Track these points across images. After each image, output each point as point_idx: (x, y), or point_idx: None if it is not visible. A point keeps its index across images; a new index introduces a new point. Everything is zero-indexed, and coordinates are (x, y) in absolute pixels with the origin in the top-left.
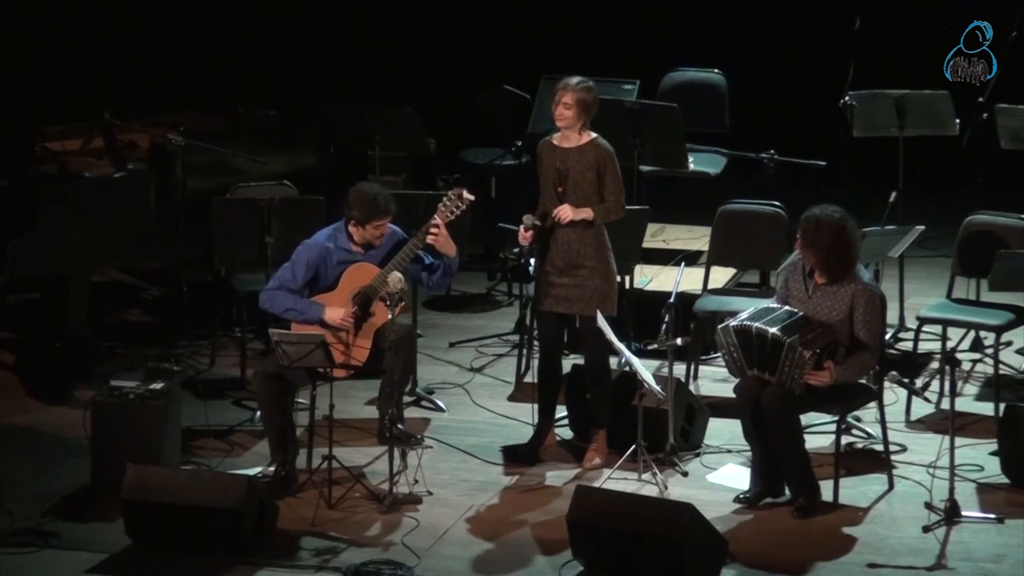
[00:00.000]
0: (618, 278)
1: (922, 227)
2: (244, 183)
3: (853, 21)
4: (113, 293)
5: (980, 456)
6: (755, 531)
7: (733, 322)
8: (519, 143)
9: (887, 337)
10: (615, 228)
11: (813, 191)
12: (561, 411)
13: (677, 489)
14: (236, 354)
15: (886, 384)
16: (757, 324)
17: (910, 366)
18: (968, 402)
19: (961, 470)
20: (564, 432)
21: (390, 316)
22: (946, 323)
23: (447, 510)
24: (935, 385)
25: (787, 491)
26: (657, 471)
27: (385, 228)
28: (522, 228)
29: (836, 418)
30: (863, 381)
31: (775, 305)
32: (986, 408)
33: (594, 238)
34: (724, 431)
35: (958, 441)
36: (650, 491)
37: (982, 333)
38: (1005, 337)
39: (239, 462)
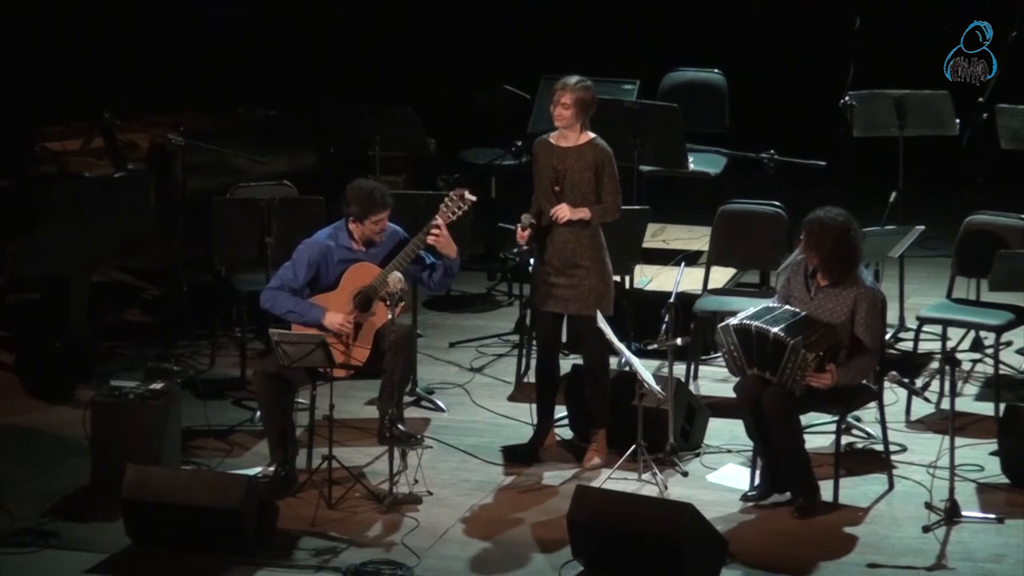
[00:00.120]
0: (615, 278)
1: (922, 227)
2: (244, 183)
3: (853, 21)
4: (113, 293)
5: (980, 456)
6: (755, 531)
7: (733, 321)
8: (519, 143)
9: (887, 337)
10: (615, 228)
11: (813, 191)
12: (561, 411)
13: (677, 489)
14: (236, 354)
15: (886, 384)
16: (757, 323)
17: (910, 366)
18: (968, 402)
19: (961, 470)
20: (564, 432)
21: (390, 316)
22: (946, 323)
23: (447, 510)
24: (935, 385)
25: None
26: (657, 471)
27: (384, 223)
28: (519, 227)
29: (836, 418)
30: (863, 381)
31: (776, 304)
32: (986, 408)
33: (590, 238)
34: (724, 431)
35: (958, 441)
36: (650, 491)
37: (982, 333)
38: (1005, 337)
39: (239, 462)
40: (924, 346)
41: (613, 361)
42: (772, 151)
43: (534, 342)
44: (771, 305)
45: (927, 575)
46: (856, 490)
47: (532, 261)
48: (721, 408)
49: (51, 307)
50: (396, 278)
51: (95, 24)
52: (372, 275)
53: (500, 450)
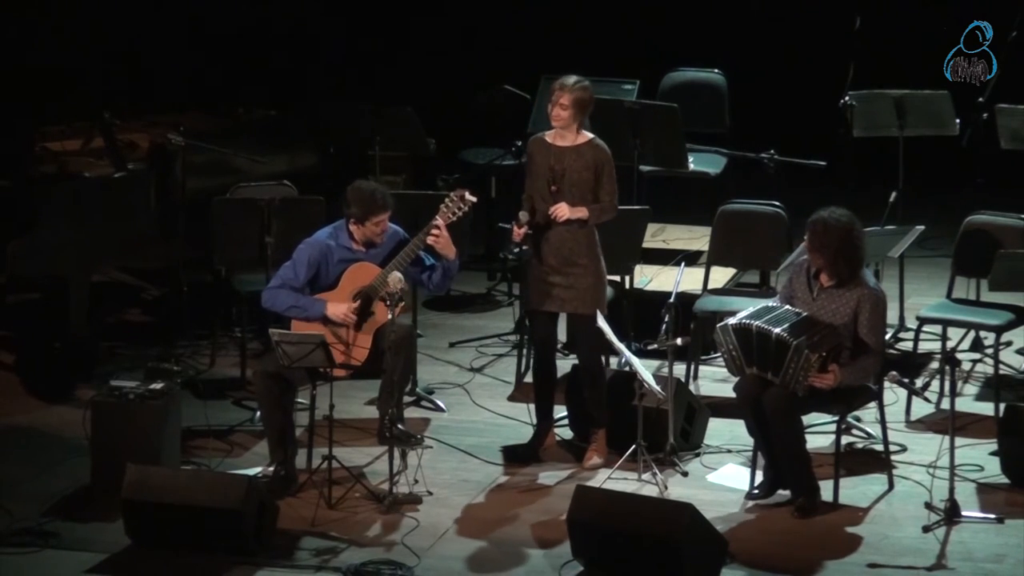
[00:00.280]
0: (615, 277)
1: (922, 227)
2: (244, 183)
3: (853, 21)
4: (113, 293)
5: (980, 456)
6: (755, 531)
7: (732, 321)
8: (519, 143)
9: (887, 337)
10: (615, 228)
11: (813, 191)
12: (561, 411)
13: (677, 489)
14: (236, 354)
15: (886, 384)
16: (758, 323)
17: (910, 366)
18: (968, 402)
19: (961, 470)
20: (564, 432)
21: (390, 316)
22: (946, 323)
23: (447, 510)
24: (935, 385)
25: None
26: (657, 471)
27: (385, 224)
28: (515, 225)
29: (836, 418)
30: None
31: (776, 304)
32: (986, 408)
33: (586, 237)
34: (724, 431)
35: (958, 441)
36: (650, 491)
37: (982, 333)
38: (1005, 337)
39: (239, 462)
40: (924, 346)
41: (613, 361)
42: (772, 151)
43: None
44: (771, 305)
45: (927, 575)
46: (856, 490)
47: (518, 252)
48: (721, 408)
49: (51, 307)
50: (396, 278)
51: (95, 24)
52: (372, 275)
53: (500, 450)
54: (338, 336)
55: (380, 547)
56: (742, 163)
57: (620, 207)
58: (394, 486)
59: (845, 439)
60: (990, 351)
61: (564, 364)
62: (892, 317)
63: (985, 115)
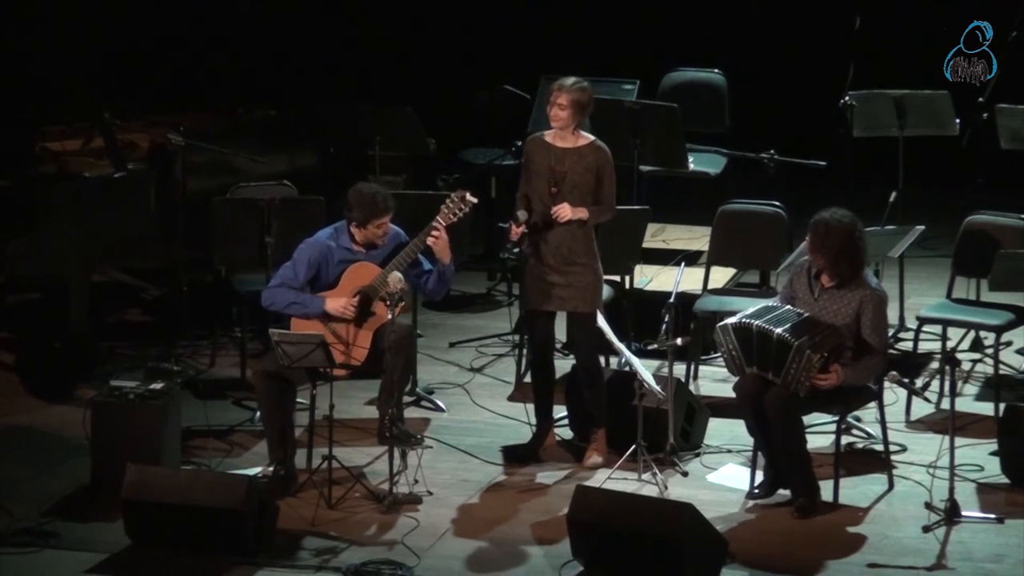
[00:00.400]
0: (615, 277)
1: (922, 227)
2: (244, 183)
3: (853, 21)
4: (113, 293)
5: (980, 456)
6: (755, 531)
7: (732, 320)
8: (519, 143)
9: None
10: (615, 228)
11: (813, 191)
12: (561, 411)
13: (677, 489)
14: (236, 354)
15: (886, 384)
16: (758, 323)
17: (910, 366)
18: (968, 402)
19: (961, 470)
20: (564, 432)
21: (390, 316)
22: (946, 323)
23: (447, 510)
24: (935, 385)
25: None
26: (657, 471)
27: (387, 227)
28: (512, 224)
29: (836, 418)
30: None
31: (776, 304)
32: (986, 408)
33: (584, 236)
34: (724, 431)
35: (958, 441)
36: (650, 491)
37: (982, 333)
38: (1005, 337)
39: (239, 462)
40: (924, 346)
41: (613, 361)
42: (772, 151)
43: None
44: (771, 305)
45: (927, 575)
46: (856, 490)
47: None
48: (721, 408)
49: (51, 307)
50: (396, 278)
51: (95, 24)
52: (372, 275)
53: (500, 450)
54: (338, 336)
55: (380, 547)
56: (742, 163)
57: (620, 207)
58: (394, 486)
59: (845, 439)
60: (990, 351)
61: (564, 364)
62: (892, 317)
63: (985, 115)
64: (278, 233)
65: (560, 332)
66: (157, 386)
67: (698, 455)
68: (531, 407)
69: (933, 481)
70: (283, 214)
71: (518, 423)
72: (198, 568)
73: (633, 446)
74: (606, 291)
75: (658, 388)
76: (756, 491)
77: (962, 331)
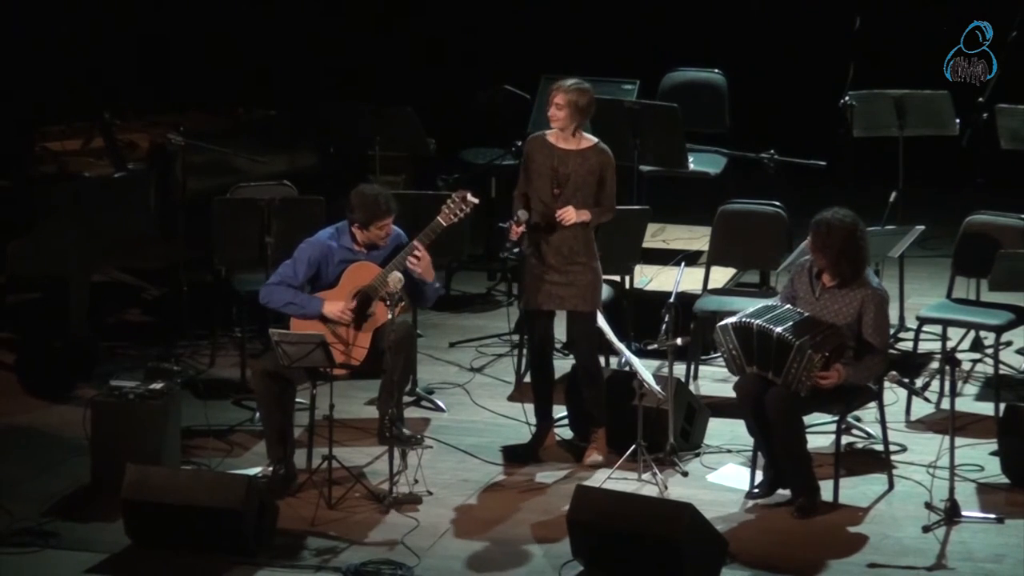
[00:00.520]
0: (615, 277)
1: (922, 227)
2: (244, 183)
3: (853, 21)
4: (113, 293)
5: (980, 456)
6: (755, 531)
7: (732, 320)
8: (519, 143)
9: None
10: (615, 228)
11: (813, 191)
12: (561, 411)
13: (677, 489)
14: (236, 354)
15: (886, 384)
16: (759, 322)
17: (910, 366)
18: (968, 402)
19: (961, 470)
20: (564, 432)
21: (390, 316)
22: (946, 323)
23: (447, 510)
24: (935, 385)
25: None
26: (657, 471)
27: (389, 228)
28: (513, 223)
29: (836, 418)
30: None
31: (775, 303)
32: (986, 408)
33: (585, 235)
34: (724, 431)
35: (958, 441)
36: (650, 491)
37: (982, 333)
38: (1005, 337)
39: (239, 462)
40: (924, 346)
41: (613, 360)
42: (772, 151)
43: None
44: (772, 304)
45: (927, 575)
46: (856, 490)
47: (518, 251)
48: (721, 408)
49: (51, 307)
50: (396, 278)
51: (95, 24)
52: (372, 274)
53: (500, 450)
54: (337, 335)
55: (380, 547)
56: (742, 163)
57: (620, 207)
58: (394, 486)
59: (845, 439)
60: (990, 351)
61: (564, 364)
62: (892, 317)
63: (985, 115)
64: (278, 233)
65: (560, 332)
66: (157, 386)
67: (698, 455)
68: (531, 407)
69: (933, 481)
70: (283, 214)
71: (518, 423)
72: (198, 568)
73: (633, 446)
74: (606, 291)
75: (658, 388)
76: (756, 491)
77: (962, 331)
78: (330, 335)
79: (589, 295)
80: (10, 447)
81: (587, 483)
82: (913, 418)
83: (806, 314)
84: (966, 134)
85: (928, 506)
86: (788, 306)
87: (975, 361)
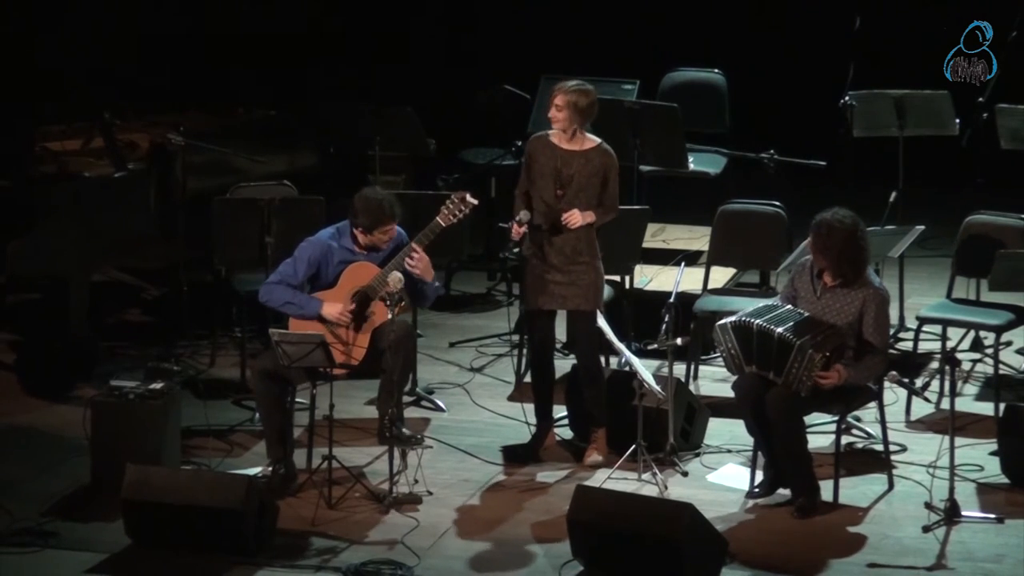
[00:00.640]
0: (615, 277)
1: (922, 227)
2: (244, 183)
3: (853, 21)
4: (113, 293)
5: (980, 456)
6: (755, 531)
7: (731, 319)
8: (519, 143)
9: None
10: (615, 228)
11: (813, 191)
12: (561, 411)
13: (677, 489)
14: (236, 354)
15: (886, 384)
16: (758, 321)
17: (910, 366)
18: (968, 402)
19: (961, 470)
20: (564, 432)
21: (390, 316)
22: (946, 323)
23: (447, 510)
24: (935, 385)
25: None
26: (657, 471)
27: (393, 232)
28: (515, 223)
29: (836, 418)
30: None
31: (775, 303)
32: (986, 408)
33: (587, 235)
34: (724, 431)
35: (958, 441)
36: (650, 491)
37: (982, 333)
38: (1005, 337)
39: (239, 462)
40: (924, 346)
41: (613, 360)
42: (772, 151)
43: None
44: (771, 304)
45: (927, 575)
46: (856, 490)
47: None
48: (721, 408)
49: (51, 307)
50: (396, 278)
51: (95, 24)
52: (371, 274)
53: (500, 450)
54: (336, 335)
55: (380, 547)
56: (742, 163)
57: (620, 207)
58: (394, 486)
59: (845, 439)
60: (990, 351)
61: (564, 364)
62: (892, 317)
63: (985, 115)
64: (278, 233)
65: (560, 332)
66: (157, 386)
67: (698, 455)
68: (531, 407)
69: (933, 481)
70: (283, 214)
71: (518, 423)
72: (198, 568)
73: (633, 446)
74: (606, 291)
75: (658, 388)
76: (756, 491)
77: (962, 331)
78: (329, 335)
79: (591, 295)
80: (10, 447)
81: (587, 483)
82: (913, 418)
83: (806, 314)
84: (966, 134)
85: (928, 506)
86: (788, 306)
87: (975, 361)
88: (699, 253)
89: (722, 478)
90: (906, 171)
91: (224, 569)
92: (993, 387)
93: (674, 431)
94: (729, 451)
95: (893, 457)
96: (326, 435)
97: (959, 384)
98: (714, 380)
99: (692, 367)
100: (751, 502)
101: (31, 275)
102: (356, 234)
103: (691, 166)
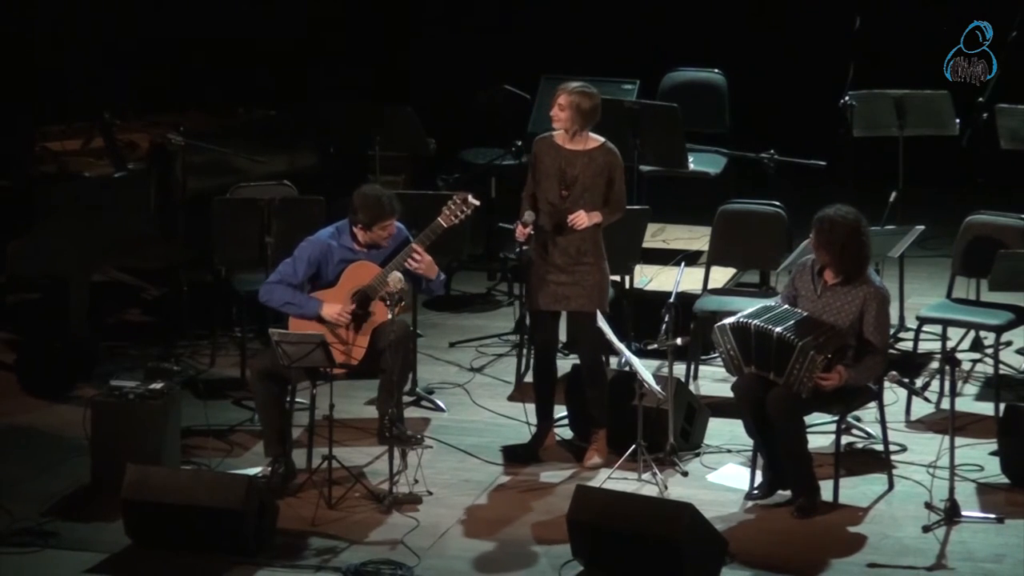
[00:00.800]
0: (615, 277)
1: (922, 227)
2: (244, 183)
3: (853, 21)
4: (113, 293)
5: (980, 456)
6: (755, 531)
7: (730, 320)
8: (519, 143)
9: None
10: (615, 228)
11: (813, 191)
12: (561, 411)
13: (677, 489)
14: (236, 354)
15: (886, 384)
16: (757, 322)
17: (910, 366)
18: (968, 402)
19: (961, 470)
20: (564, 432)
21: (390, 316)
22: (946, 323)
23: (447, 510)
24: (935, 385)
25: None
26: (657, 471)
27: (392, 228)
28: (520, 224)
29: (836, 418)
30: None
31: (774, 303)
32: (986, 408)
33: (592, 235)
34: (724, 431)
35: (958, 441)
36: (650, 491)
37: (982, 333)
38: (1005, 337)
39: (239, 462)
40: (924, 346)
41: (613, 361)
42: (772, 151)
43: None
44: (770, 304)
45: (927, 575)
46: (856, 490)
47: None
48: (721, 408)
49: (51, 307)
50: (396, 278)
51: (95, 24)
52: (371, 274)
53: (500, 450)
54: (336, 335)
55: (380, 547)
56: (742, 163)
57: None
58: (394, 486)
59: (845, 439)
60: (990, 351)
61: (564, 364)
62: (892, 317)
63: (985, 115)
64: (278, 233)
65: (561, 332)
66: (157, 386)
67: (698, 455)
68: (531, 407)
69: (933, 481)
70: (283, 214)
71: (518, 423)
72: (198, 568)
73: (633, 446)
74: None
75: (658, 388)
76: (755, 491)
77: (962, 331)
78: (329, 335)
79: (595, 295)
80: (10, 447)
81: (587, 483)
82: (913, 418)
83: (805, 314)
84: (966, 134)
85: (928, 506)
86: (787, 306)
87: (975, 361)
88: (699, 253)
89: (722, 478)
90: (906, 171)
91: (224, 569)
92: (993, 387)
93: (674, 431)
94: (729, 451)
95: (893, 457)
96: (326, 435)
97: (959, 384)
98: (714, 380)
99: (692, 367)
100: (751, 502)
101: (31, 275)
102: (356, 232)
103: (691, 166)
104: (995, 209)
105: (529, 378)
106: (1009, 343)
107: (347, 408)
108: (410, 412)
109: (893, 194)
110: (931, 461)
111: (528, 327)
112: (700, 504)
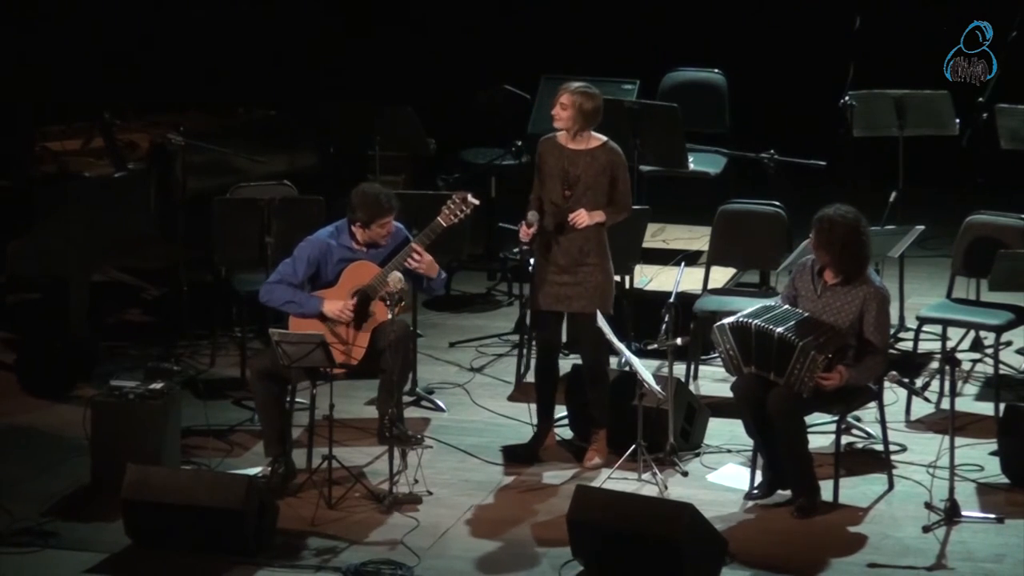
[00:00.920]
0: (615, 277)
1: (922, 227)
2: (244, 183)
3: (853, 21)
4: (113, 293)
5: (980, 456)
6: (755, 531)
7: (729, 320)
8: (519, 143)
9: None
10: (615, 228)
11: (813, 191)
12: (561, 411)
13: (677, 489)
14: (236, 354)
15: (886, 384)
16: (756, 322)
17: (910, 366)
18: (968, 402)
19: (961, 470)
20: (564, 432)
21: (390, 315)
22: (946, 323)
23: (447, 510)
24: (935, 385)
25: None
26: (657, 471)
27: (390, 226)
28: (524, 225)
29: (836, 418)
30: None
31: (774, 303)
32: (986, 408)
33: (596, 236)
34: (724, 431)
35: (958, 441)
36: (650, 491)
37: (982, 333)
38: (1005, 337)
39: (239, 462)
40: (924, 346)
41: (613, 361)
42: (772, 151)
43: (534, 343)
44: (770, 304)
45: (927, 575)
46: (856, 490)
47: (532, 260)
48: (721, 408)
49: (51, 307)
50: (396, 278)
51: (95, 24)
52: (371, 274)
53: (500, 450)
54: (336, 335)
55: (380, 547)
56: (742, 163)
57: None
58: (394, 486)
59: (845, 439)
60: (990, 351)
61: (563, 364)
62: (892, 317)
63: (985, 115)
64: (278, 233)
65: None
66: (157, 386)
67: (698, 455)
68: (532, 407)
69: (933, 481)
70: (283, 214)
71: (518, 423)
72: (198, 568)
73: (633, 446)
74: None
75: (658, 388)
76: (755, 491)
77: (962, 331)
78: (329, 334)
79: (597, 296)
80: (10, 447)
81: (587, 483)
82: (913, 418)
83: (805, 314)
84: (966, 134)
85: (928, 506)
86: (787, 306)
87: (975, 361)
88: (699, 253)
89: (722, 478)
90: (906, 171)
91: (224, 569)
92: (993, 387)
93: (674, 431)
94: (729, 451)
95: (893, 457)
96: (326, 435)
97: (959, 384)
98: (714, 380)
99: (692, 367)
100: (751, 502)
101: (31, 275)
102: (355, 231)
103: (691, 166)
104: (995, 209)
105: (529, 378)
106: (1009, 343)
107: (347, 408)
108: (410, 412)
109: (893, 194)
110: (931, 461)
111: (528, 327)
112: (700, 504)
